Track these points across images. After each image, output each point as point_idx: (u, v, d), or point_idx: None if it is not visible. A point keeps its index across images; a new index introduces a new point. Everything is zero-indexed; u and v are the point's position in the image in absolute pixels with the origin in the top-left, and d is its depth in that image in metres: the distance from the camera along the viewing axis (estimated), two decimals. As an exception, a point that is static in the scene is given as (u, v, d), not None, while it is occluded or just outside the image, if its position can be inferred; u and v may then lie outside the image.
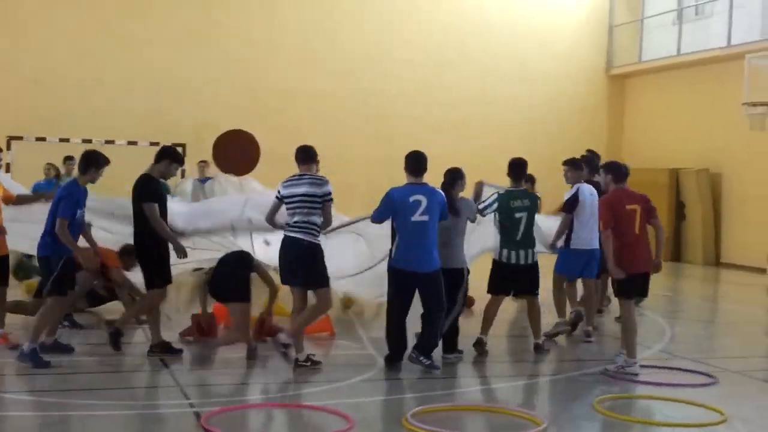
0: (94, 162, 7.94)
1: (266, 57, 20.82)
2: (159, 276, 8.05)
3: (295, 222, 7.65)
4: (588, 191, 9.45)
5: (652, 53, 22.63)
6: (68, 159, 14.60)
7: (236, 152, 19.56)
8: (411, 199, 7.70)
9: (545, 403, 7.20)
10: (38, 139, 17.64)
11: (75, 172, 14.58)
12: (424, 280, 7.74)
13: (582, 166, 9.78)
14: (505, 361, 8.57)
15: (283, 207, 7.81)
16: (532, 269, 8.74)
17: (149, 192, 7.97)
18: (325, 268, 7.76)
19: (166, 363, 7.83)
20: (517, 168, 8.88)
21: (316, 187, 7.66)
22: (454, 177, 8.36)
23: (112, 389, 7.07)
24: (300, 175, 7.79)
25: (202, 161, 16.63)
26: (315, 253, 7.66)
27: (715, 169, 19.99)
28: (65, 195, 7.78)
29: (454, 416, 6.56)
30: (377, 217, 7.98)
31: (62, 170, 14.30)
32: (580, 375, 7.96)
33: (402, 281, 7.80)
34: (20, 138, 17.40)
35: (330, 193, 7.69)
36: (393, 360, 7.90)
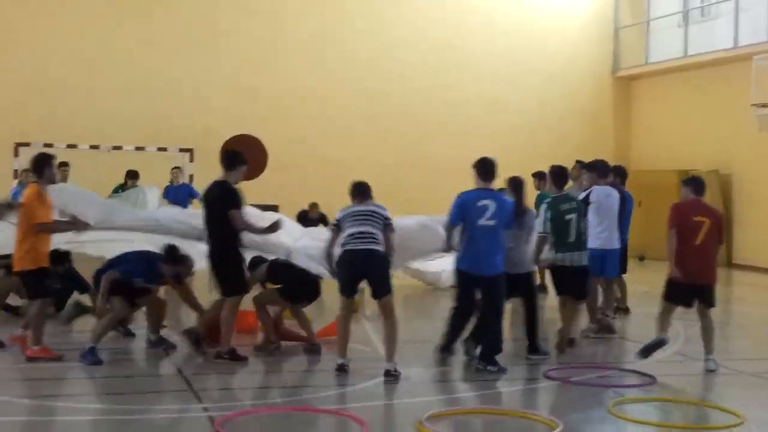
0: (180, 261, 8.48)
1: (270, 61, 20.81)
2: (238, 283, 8.10)
3: (363, 232, 7.68)
4: (604, 193, 9.60)
5: (658, 55, 22.58)
6: (62, 165, 14.32)
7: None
8: (479, 203, 7.84)
9: (560, 405, 7.14)
10: (46, 145, 17.65)
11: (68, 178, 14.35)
12: (487, 282, 7.94)
13: (600, 168, 9.91)
14: (520, 364, 8.50)
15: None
16: (583, 271, 8.99)
17: (236, 201, 8.14)
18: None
19: (179, 367, 7.80)
20: (559, 175, 9.27)
21: (381, 209, 7.90)
22: (520, 184, 8.63)
23: (124, 394, 7.05)
24: (363, 202, 8.01)
25: (175, 167, 16.28)
26: (389, 263, 7.81)
27: (725, 170, 19.92)
28: (136, 266, 8.38)
29: (468, 419, 6.53)
30: (452, 223, 8.11)
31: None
32: (596, 377, 7.92)
33: (467, 282, 8.05)
34: (27, 144, 17.42)
35: (391, 218, 7.91)
36: (445, 349, 8.15)
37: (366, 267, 7.66)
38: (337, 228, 7.86)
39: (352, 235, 7.70)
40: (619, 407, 6.73)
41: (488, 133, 21.76)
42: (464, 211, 7.90)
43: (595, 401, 7.17)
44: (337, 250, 7.84)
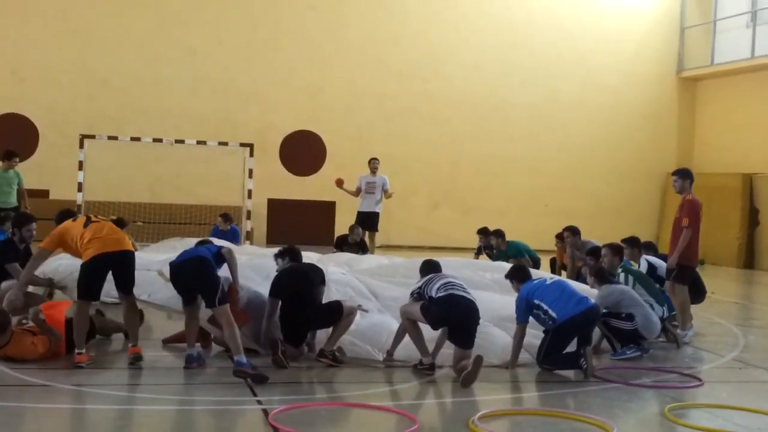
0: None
1: (330, 58, 20.96)
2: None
3: (458, 283, 7.70)
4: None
5: (724, 56, 22.20)
6: (9, 155, 13.50)
7: (302, 152, 19.74)
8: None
9: (614, 408, 7.06)
10: (110, 137, 18.03)
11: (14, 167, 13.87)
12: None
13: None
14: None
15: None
16: None
17: None
18: None
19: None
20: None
21: None
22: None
23: (180, 384, 7.17)
24: None
25: None
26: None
27: (790, 174, 19.51)
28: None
29: (520, 420, 6.49)
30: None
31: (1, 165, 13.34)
32: (651, 382, 7.82)
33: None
34: (92, 137, 17.79)
35: None
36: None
37: (474, 319, 7.60)
38: (420, 297, 7.75)
39: (446, 284, 7.65)
40: (676, 412, 6.65)
41: (548, 134, 21.59)
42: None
43: (649, 405, 7.08)
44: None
